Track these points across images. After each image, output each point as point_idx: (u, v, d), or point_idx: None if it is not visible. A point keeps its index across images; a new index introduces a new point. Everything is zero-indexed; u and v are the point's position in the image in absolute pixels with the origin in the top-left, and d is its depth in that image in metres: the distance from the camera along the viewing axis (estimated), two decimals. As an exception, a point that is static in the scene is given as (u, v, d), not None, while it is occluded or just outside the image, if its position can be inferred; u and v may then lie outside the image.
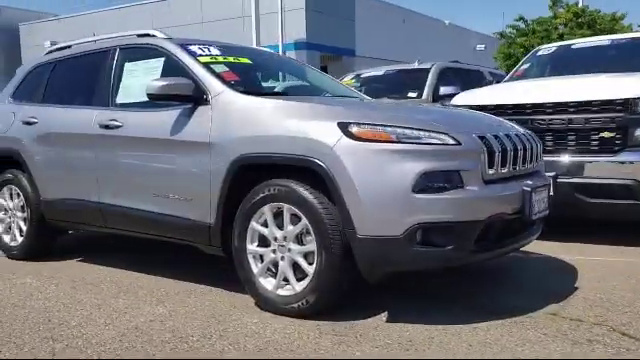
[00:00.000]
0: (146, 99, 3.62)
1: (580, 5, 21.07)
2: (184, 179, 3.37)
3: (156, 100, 3.36)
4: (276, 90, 3.98)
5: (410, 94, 7.34)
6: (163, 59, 3.69)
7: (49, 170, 4.22)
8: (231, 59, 3.78)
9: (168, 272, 3.91)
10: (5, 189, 4.60)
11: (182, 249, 3.74)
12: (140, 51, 3.94)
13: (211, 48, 3.78)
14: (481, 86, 8.65)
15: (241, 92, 3.32)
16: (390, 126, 2.79)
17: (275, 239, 3.01)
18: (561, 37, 21.11)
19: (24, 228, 4.47)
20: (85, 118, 3.94)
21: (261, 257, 3.10)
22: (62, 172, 4.14)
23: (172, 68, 3.61)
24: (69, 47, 4.64)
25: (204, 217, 3.29)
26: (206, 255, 3.46)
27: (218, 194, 3.19)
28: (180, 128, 3.37)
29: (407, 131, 2.77)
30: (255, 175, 3.11)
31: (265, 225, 3.05)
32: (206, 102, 3.32)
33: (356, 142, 2.76)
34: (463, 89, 6.75)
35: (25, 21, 30.20)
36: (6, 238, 4.62)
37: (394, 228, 2.69)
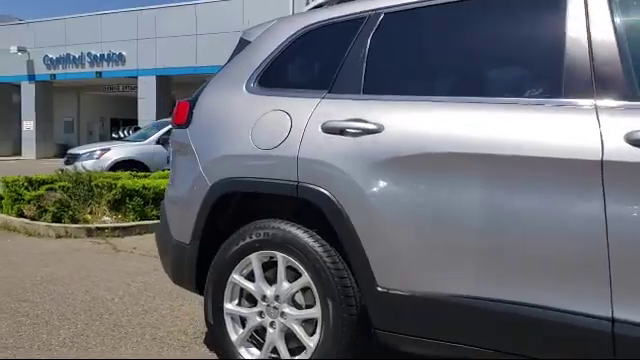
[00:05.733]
0: None
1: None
2: None
3: None
4: None
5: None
6: None
7: (416, 232, 1.99)
8: None
9: None
10: (253, 257, 2.34)
11: None
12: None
13: None
14: None
15: None
16: None
17: None
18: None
19: (307, 341, 2.19)
20: (574, 127, 1.78)
21: None
22: (471, 239, 1.91)
23: None
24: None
25: None
26: None
27: None
28: None
29: None
30: None
31: None
32: None
33: None
34: None
35: (-13, 23, 27.07)
36: (247, 355, 2.36)
37: None
